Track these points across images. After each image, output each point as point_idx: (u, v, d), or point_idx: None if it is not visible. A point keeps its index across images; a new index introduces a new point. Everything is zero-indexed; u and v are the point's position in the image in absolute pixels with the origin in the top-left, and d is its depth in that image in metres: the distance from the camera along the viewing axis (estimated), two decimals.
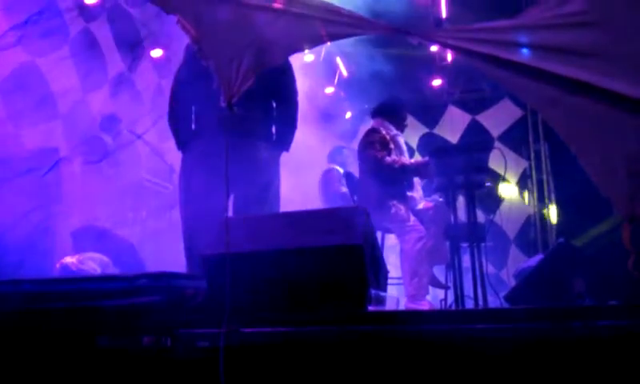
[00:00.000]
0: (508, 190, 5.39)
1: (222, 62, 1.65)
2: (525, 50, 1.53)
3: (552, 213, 5.39)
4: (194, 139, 2.33)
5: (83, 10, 3.82)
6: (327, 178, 4.58)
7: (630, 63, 1.45)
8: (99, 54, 3.88)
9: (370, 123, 3.40)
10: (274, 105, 2.40)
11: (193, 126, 2.38)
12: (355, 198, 3.50)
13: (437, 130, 6.09)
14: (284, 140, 2.41)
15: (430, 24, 4.45)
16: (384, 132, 3.20)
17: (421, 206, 3.21)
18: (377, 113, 3.40)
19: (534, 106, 1.83)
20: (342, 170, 4.35)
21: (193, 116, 2.38)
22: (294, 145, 2.49)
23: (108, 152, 3.57)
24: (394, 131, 3.26)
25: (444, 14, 4.66)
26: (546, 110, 1.58)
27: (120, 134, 3.80)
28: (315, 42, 1.76)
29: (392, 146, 3.18)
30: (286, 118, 2.41)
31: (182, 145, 2.38)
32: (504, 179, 3.09)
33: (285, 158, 2.49)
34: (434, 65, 5.52)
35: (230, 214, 2.31)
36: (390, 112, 3.35)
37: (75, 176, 3.39)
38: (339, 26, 1.67)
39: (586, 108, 1.47)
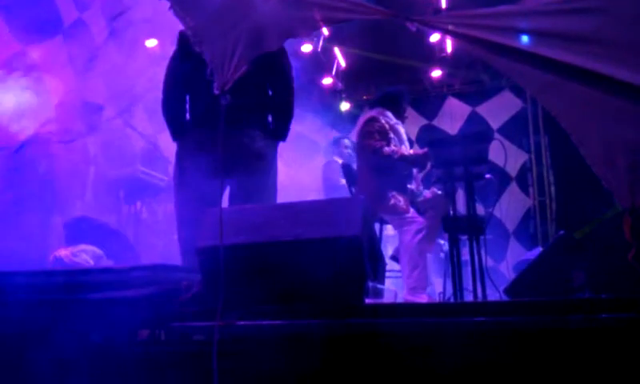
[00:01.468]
0: (508, 182, 5.38)
1: (215, 49, 1.61)
2: (525, 36, 1.50)
3: (552, 205, 5.37)
4: (189, 129, 2.30)
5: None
6: (328, 169, 4.55)
7: (631, 50, 1.42)
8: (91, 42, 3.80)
9: (368, 113, 3.36)
10: (270, 93, 2.36)
11: (187, 116, 2.34)
12: (353, 189, 3.47)
13: (436, 122, 6.06)
14: (280, 129, 2.38)
15: (429, 13, 4.40)
16: (383, 121, 3.17)
17: (421, 198, 3.19)
18: (377, 102, 3.36)
19: (534, 93, 1.80)
20: (340, 161, 4.32)
21: (187, 106, 2.34)
22: (289, 136, 2.45)
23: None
24: (394, 120, 3.23)
25: (444, 5, 4.60)
26: (546, 97, 1.55)
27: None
28: (310, 26, 1.72)
29: (392, 135, 3.14)
30: (283, 107, 2.37)
31: (176, 135, 2.35)
32: (504, 171, 3.07)
33: (281, 147, 2.46)
34: (434, 56, 5.47)
35: (226, 205, 2.28)
36: (391, 101, 3.31)
37: (68, 166, 3.35)
38: (335, 10, 1.64)
39: (587, 95, 1.44)
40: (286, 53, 2.37)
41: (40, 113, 3.28)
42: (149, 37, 4.10)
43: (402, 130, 3.26)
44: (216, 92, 1.66)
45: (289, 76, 2.37)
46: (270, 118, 2.37)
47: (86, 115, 3.60)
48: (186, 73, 2.24)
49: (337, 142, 4.75)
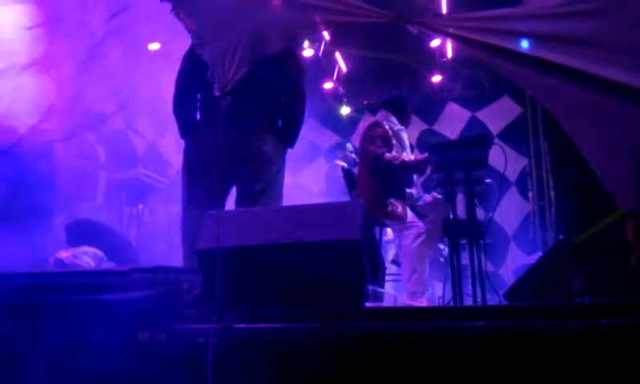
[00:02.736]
0: (507, 187, 5.38)
1: (216, 51, 1.61)
2: (526, 39, 1.50)
3: (551, 210, 5.38)
4: (199, 129, 2.31)
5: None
6: (333, 173, 4.52)
7: (631, 53, 1.43)
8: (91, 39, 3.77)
9: (371, 117, 3.37)
10: (283, 99, 2.36)
11: (198, 116, 2.35)
12: (354, 193, 3.48)
13: (436, 127, 6.07)
14: (290, 135, 2.38)
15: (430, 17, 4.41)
16: (387, 126, 3.17)
17: (421, 202, 3.20)
18: (382, 106, 3.36)
19: (536, 96, 1.80)
20: (345, 165, 4.33)
21: (198, 105, 2.35)
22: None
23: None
24: (398, 126, 3.23)
25: (444, 10, 4.62)
26: (548, 100, 1.55)
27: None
28: (311, 29, 1.72)
29: (394, 141, 3.15)
30: (294, 114, 2.38)
31: (185, 133, 2.35)
32: (504, 176, 3.08)
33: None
34: (434, 61, 5.49)
35: (233, 207, 2.29)
36: (396, 106, 3.31)
37: (69, 169, 3.35)
38: (336, 13, 1.64)
39: (589, 98, 1.44)
40: (299, 60, 2.38)
41: (37, 110, 3.25)
42: (148, 36, 4.08)
43: (405, 135, 3.27)
44: (216, 94, 1.67)
45: (301, 83, 2.37)
46: (280, 124, 2.38)
47: (89, 120, 3.59)
48: (197, 72, 2.25)
49: (341, 147, 4.75)
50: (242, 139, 2.17)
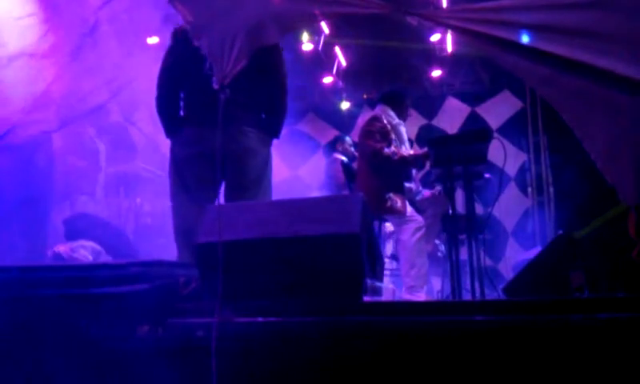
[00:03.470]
0: (507, 182, 5.38)
1: (214, 43, 1.60)
2: (524, 30, 1.49)
3: (550, 205, 5.37)
4: (183, 126, 2.29)
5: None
6: (332, 168, 4.51)
7: (629, 44, 1.42)
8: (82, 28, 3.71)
9: (370, 112, 3.37)
10: (263, 90, 2.35)
11: (181, 113, 2.33)
12: (353, 186, 3.48)
13: (435, 122, 6.05)
14: (274, 127, 2.37)
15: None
16: (385, 121, 3.17)
17: (420, 197, 3.20)
18: (380, 100, 3.36)
19: (535, 87, 1.79)
20: (345, 159, 4.31)
21: (181, 102, 2.33)
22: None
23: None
24: (397, 120, 3.24)
25: (445, 4, 4.59)
26: (547, 90, 1.54)
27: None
28: (309, 20, 1.71)
29: (393, 136, 3.15)
30: (276, 105, 2.36)
31: (169, 132, 2.34)
32: (503, 171, 3.09)
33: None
34: (434, 55, 5.46)
35: (221, 202, 2.28)
36: (394, 100, 3.31)
37: (68, 163, 3.33)
38: (334, 4, 1.62)
39: (588, 90, 1.43)
40: (280, 51, 2.36)
41: (28, 100, 3.21)
42: (141, 24, 4.01)
43: (403, 129, 3.27)
44: (215, 87, 1.65)
45: (282, 74, 2.36)
46: (263, 116, 2.37)
47: (83, 110, 3.55)
48: (180, 69, 2.23)
49: (340, 140, 4.73)
50: (226, 133, 2.16)
